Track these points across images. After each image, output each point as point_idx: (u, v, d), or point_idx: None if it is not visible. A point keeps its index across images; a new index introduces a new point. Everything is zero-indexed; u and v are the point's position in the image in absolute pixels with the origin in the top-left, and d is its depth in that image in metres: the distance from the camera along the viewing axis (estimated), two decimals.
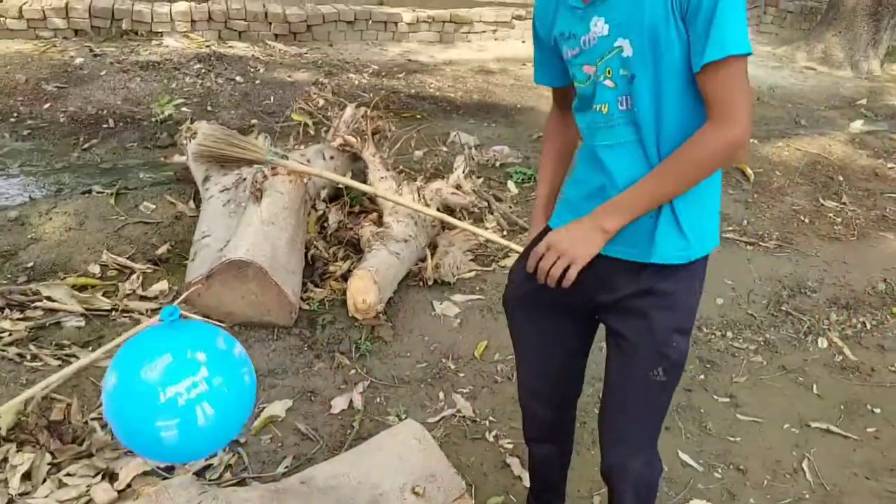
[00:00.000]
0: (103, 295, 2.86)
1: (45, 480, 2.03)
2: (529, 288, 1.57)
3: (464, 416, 2.48)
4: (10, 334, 2.60)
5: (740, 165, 4.77)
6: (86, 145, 4.16)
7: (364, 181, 3.50)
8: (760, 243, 3.88)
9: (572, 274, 1.38)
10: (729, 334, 3.10)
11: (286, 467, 2.19)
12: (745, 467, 2.39)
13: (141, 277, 2.98)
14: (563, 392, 1.78)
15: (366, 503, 1.73)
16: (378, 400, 2.52)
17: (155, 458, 1.49)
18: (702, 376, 2.81)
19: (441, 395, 2.58)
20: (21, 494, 1.99)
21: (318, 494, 1.74)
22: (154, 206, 3.50)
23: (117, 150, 4.16)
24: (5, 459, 2.08)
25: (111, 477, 2.06)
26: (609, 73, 1.39)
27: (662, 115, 1.38)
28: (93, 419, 2.27)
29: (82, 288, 2.88)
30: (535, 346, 1.71)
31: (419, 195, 3.40)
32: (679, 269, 1.47)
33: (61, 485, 2.03)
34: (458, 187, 3.65)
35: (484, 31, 7.21)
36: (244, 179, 3.16)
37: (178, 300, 2.55)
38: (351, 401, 2.48)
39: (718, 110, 1.32)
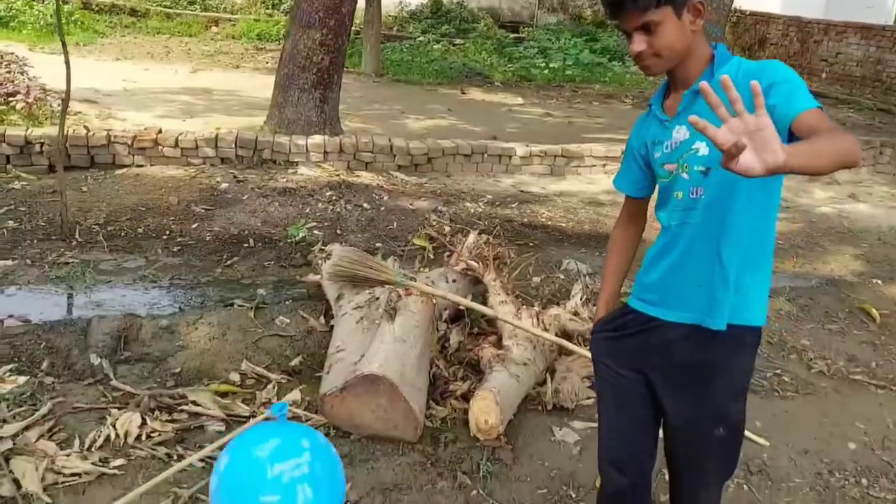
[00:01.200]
0: (242, 402, 3.05)
1: None
2: (613, 344, 1.99)
3: None
4: (159, 434, 2.81)
5: (864, 306, 4.64)
6: (228, 262, 4.54)
7: (484, 304, 3.64)
8: (892, 387, 3.71)
9: (747, 163, 1.32)
10: (864, 481, 2.94)
11: None
12: None
13: (276, 387, 3.18)
14: (638, 456, 1.95)
15: None
16: None
17: None
18: None
19: None
20: None
21: None
22: (288, 321, 3.75)
23: (256, 267, 4.51)
24: None
25: None
26: (686, 167, 1.75)
27: (731, 203, 1.68)
28: None
29: (224, 394, 3.09)
30: (613, 401, 1.97)
31: (538, 320, 3.50)
32: (734, 337, 1.74)
33: None
34: (576, 314, 3.74)
35: (594, 165, 7.44)
36: (377, 298, 3.36)
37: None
38: None
39: (828, 128, 1.49)
